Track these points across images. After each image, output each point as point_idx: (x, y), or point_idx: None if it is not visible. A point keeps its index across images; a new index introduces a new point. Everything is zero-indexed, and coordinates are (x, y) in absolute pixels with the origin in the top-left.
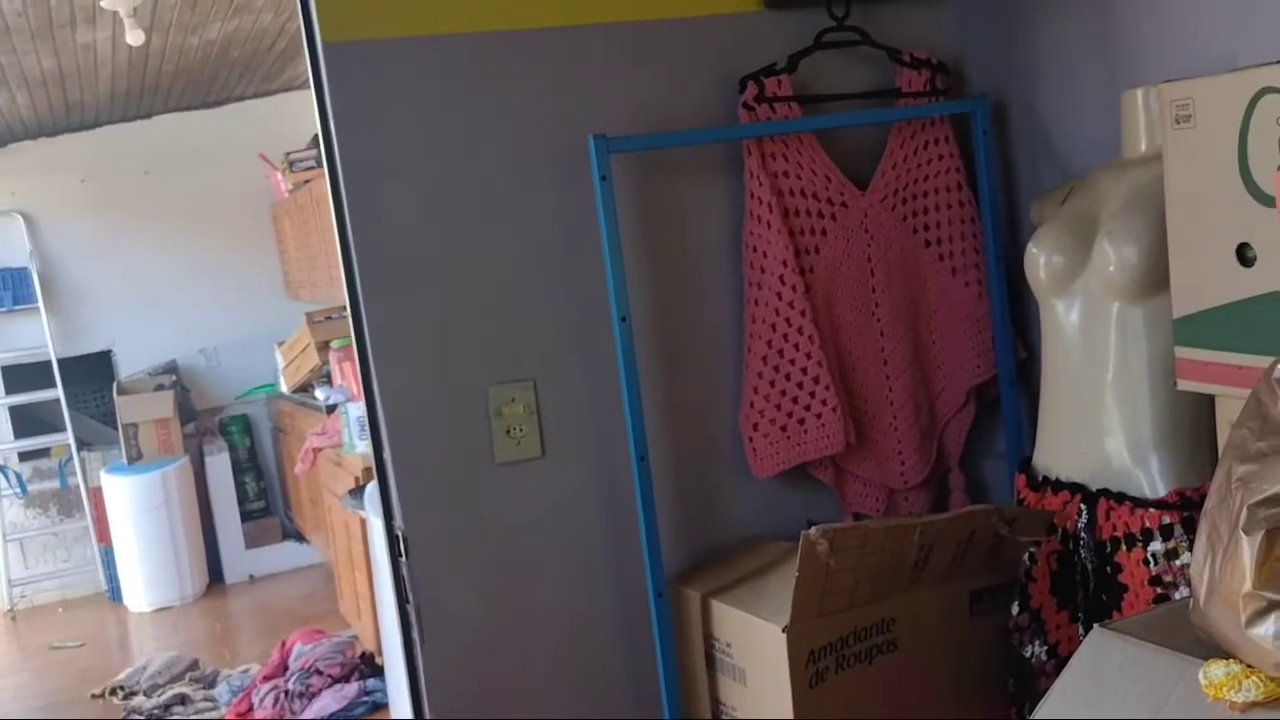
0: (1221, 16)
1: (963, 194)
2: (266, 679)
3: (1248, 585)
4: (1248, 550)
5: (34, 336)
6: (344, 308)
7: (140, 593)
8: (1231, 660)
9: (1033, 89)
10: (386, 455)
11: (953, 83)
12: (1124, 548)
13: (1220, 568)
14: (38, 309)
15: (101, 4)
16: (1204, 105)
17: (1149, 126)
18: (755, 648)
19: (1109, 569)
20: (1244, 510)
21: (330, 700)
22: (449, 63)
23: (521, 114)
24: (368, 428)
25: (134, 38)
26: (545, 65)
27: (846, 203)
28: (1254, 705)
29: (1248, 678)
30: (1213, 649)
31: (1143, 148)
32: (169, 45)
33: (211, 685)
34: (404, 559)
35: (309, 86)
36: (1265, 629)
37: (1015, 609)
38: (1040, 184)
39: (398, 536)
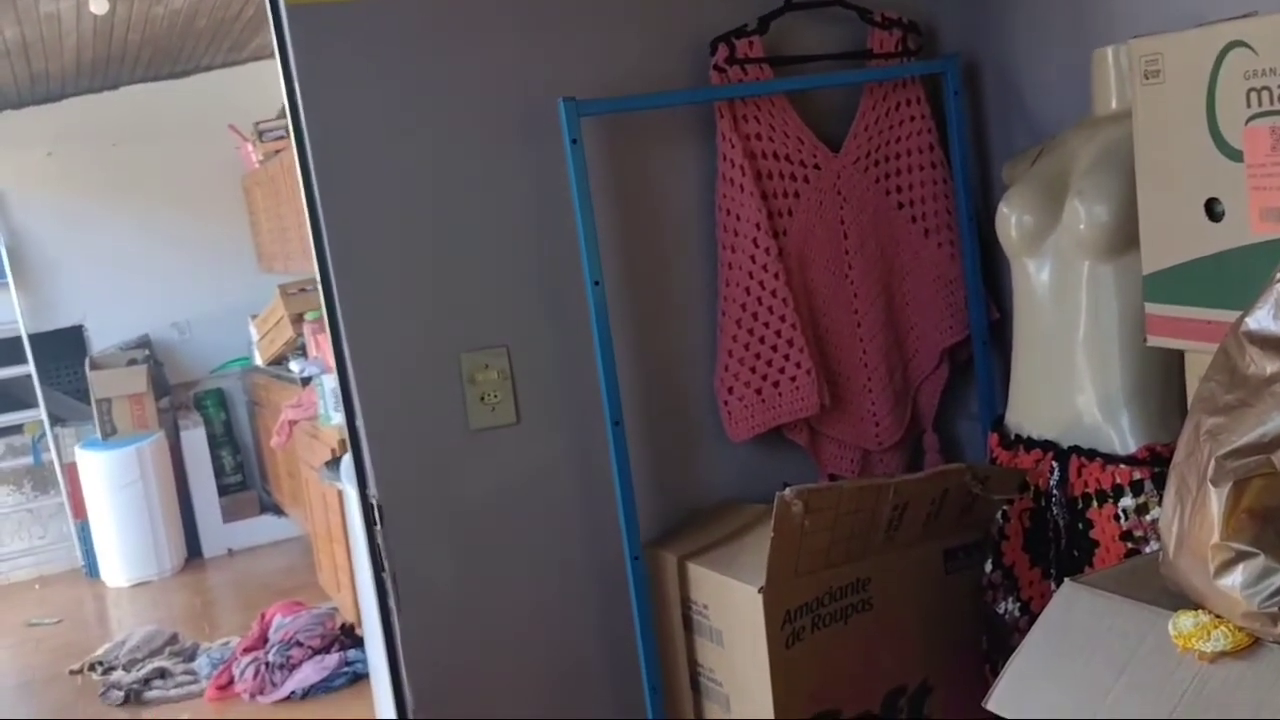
0: None
1: (935, 155)
2: (247, 651)
3: (1216, 536)
4: (1216, 502)
5: (4, 312)
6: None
7: (117, 568)
8: (1200, 611)
9: (1004, 49)
10: (360, 424)
11: (924, 43)
12: (1095, 504)
13: (1189, 520)
14: (6, 284)
15: None
16: (1173, 61)
17: (1119, 84)
18: (732, 609)
19: (1080, 525)
20: (1212, 462)
21: (311, 671)
22: (416, 25)
23: (490, 77)
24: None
25: (98, 6)
26: (513, 27)
27: (819, 165)
28: (1222, 654)
29: (1216, 627)
30: (1182, 600)
31: (1113, 105)
32: (134, 14)
33: (191, 659)
34: (379, 527)
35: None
36: (1233, 579)
37: (988, 566)
38: (1012, 143)
39: (372, 505)
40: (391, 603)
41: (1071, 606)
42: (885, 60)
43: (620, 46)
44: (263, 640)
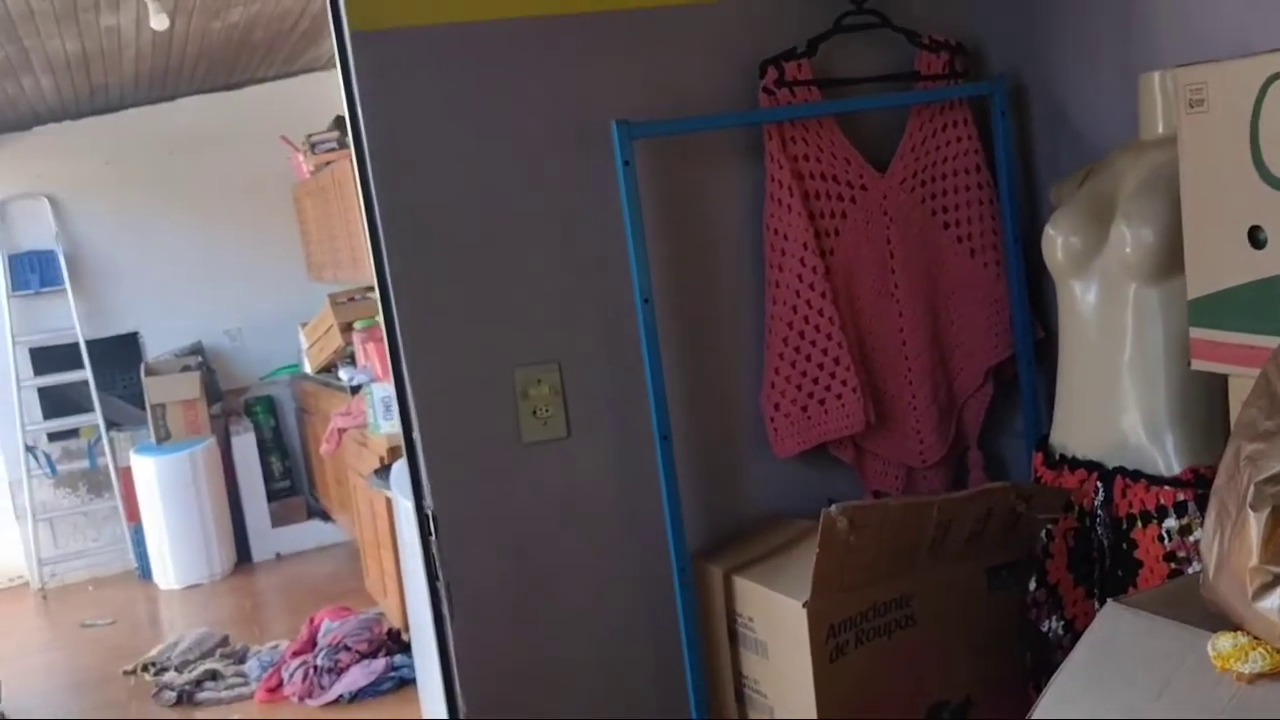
0: (1237, 1)
1: (981, 176)
2: (296, 655)
3: (1254, 560)
4: (1255, 526)
5: (62, 318)
6: (367, 288)
7: (169, 571)
8: (1239, 632)
9: (1051, 71)
10: (416, 436)
11: (971, 65)
12: (1139, 524)
13: (1229, 543)
14: (65, 291)
15: None
16: (1217, 90)
17: (1166, 109)
18: (777, 622)
19: (1124, 545)
20: (1251, 488)
21: (358, 675)
22: (475, 49)
23: (545, 99)
24: (394, 408)
25: (158, 22)
26: (568, 51)
27: (866, 185)
28: (1260, 676)
29: (1254, 649)
30: (1222, 622)
31: (1160, 130)
32: (192, 28)
33: (242, 661)
34: (433, 537)
35: (330, 68)
36: (1271, 602)
37: (1032, 585)
38: (1058, 165)
39: (427, 515)
40: (445, 610)
41: (1114, 626)
42: (933, 82)
43: (672, 70)
44: (311, 644)
